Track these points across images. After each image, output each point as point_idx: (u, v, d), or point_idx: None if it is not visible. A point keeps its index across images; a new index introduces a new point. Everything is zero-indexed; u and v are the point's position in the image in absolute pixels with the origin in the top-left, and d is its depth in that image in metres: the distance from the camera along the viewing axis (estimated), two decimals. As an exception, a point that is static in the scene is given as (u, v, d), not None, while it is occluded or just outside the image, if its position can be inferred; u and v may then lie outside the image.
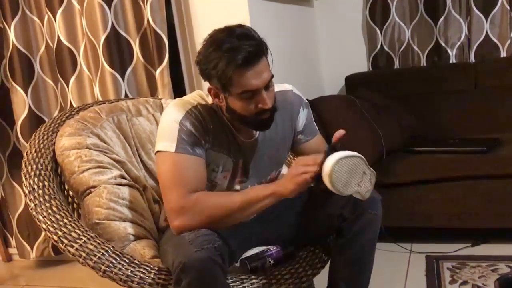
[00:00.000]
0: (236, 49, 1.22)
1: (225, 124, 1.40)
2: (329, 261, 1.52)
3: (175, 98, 2.15)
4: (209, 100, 1.40)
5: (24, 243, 2.73)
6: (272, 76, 1.31)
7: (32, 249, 2.72)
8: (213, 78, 1.28)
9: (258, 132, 1.45)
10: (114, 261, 1.30)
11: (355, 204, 1.39)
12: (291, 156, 1.82)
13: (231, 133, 1.41)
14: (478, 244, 2.28)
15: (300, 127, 1.54)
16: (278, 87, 1.47)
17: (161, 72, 2.20)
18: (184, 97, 1.44)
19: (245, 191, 1.36)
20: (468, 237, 2.32)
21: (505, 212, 2.20)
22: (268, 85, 1.30)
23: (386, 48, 3.05)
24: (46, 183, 1.46)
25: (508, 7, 2.80)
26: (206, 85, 2.23)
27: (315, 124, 1.59)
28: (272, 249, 1.47)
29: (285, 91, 1.51)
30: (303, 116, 1.53)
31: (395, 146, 2.45)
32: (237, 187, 1.46)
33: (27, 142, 1.60)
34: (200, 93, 1.44)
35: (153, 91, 2.28)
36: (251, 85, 1.26)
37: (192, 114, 1.34)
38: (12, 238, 2.85)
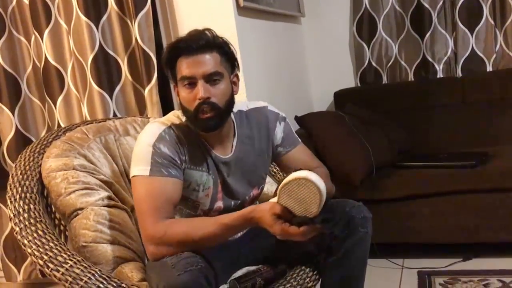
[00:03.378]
0: (182, 38, 1.36)
1: (200, 141, 1.41)
2: (320, 280, 1.51)
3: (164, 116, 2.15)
4: (184, 118, 1.42)
5: (11, 265, 2.67)
6: (220, 74, 1.35)
7: (19, 272, 2.67)
8: (166, 68, 1.39)
9: (233, 148, 1.45)
10: (101, 285, 1.27)
11: (346, 222, 1.39)
12: (276, 170, 1.83)
13: (207, 149, 1.42)
14: (469, 258, 2.28)
15: (278, 141, 1.55)
16: (253, 104, 1.53)
17: (150, 91, 2.19)
18: (158, 119, 1.46)
19: (217, 220, 1.29)
20: (459, 252, 2.31)
21: (495, 226, 2.21)
22: (209, 79, 1.34)
23: (373, 64, 3.07)
24: (31, 206, 1.44)
25: (492, 22, 2.84)
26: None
27: (295, 135, 1.60)
28: (262, 269, 1.45)
29: (260, 107, 1.54)
30: (280, 130, 1.54)
31: (384, 162, 2.46)
32: (220, 203, 1.45)
33: (13, 163, 1.58)
34: (176, 112, 1.46)
35: (141, 110, 2.27)
36: (188, 72, 1.33)
37: (165, 136, 1.35)
38: (-2, 261, 2.80)
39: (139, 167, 1.32)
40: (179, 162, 1.35)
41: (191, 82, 1.33)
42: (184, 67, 1.33)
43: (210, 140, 1.41)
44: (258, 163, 1.52)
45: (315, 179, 1.17)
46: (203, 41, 1.34)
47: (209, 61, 1.34)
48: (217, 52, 1.35)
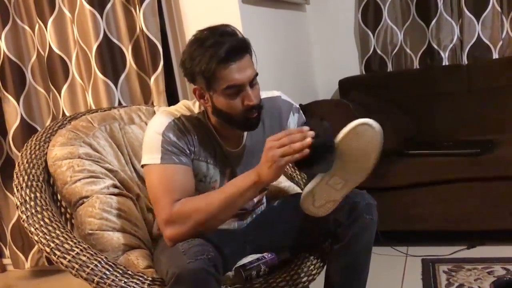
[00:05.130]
0: (219, 44, 1.24)
1: (211, 134, 1.40)
2: (325, 267, 1.52)
3: (169, 105, 2.16)
4: (195, 109, 1.41)
5: (19, 253, 2.71)
6: (257, 74, 1.32)
7: (26, 259, 2.70)
8: (198, 76, 1.29)
9: (244, 140, 1.44)
10: (107, 272, 1.28)
11: (351, 209, 1.39)
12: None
13: (217, 142, 1.41)
14: (473, 246, 2.28)
15: None
16: (266, 93, 1.47)
17: (156, 79, 2.19)
18: (168, 108, 1.44)
19: (224, 188, 1.31)
20: (463, 240, 2.32)
21: (500, 214, 2.21)
22: (252, 83, 1.31)
23: (379, 52, 3.06)
24: (38, 194, 1.45)
25: (499, 8, 2.81)
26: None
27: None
28: (267, 257, 1.46)
29: (273, 97, 1.50)
30: (294, 121, 1.52)
31: (389, 149, 2.43)
32: None
33: (19, 152, 1.59)
34: (186, 103, 1.44)
35: (146, 99, 2.28)
36: (235, 80, 1.27)
37: (175, 125, 1.35)
38: (6, 249, 2.83)
39: (150, 156, 1.32)
40: (188, 151, 1.35)
41: (238, 89, 1.28)
42: (232, 75, 1.26)
43: (222, 133, 1.40)
44: None
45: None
46: (244, 44, 1.29)
47: (249, 64, 1.30)
48: (247, 52, 1.31)
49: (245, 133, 1.44)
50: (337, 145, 1.20)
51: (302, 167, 1.24)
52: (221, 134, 1.40)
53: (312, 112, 2.45)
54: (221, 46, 1.24)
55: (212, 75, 1.26)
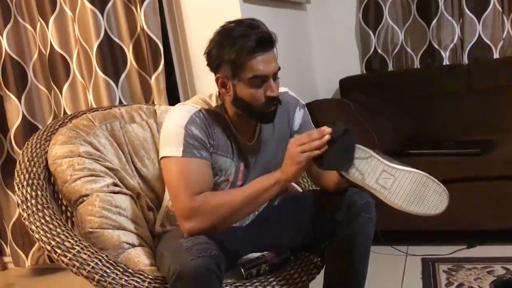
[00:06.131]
0: (248, 35, 1.29)
1: (228, 127, 1.42)
2: (324, 267, 1.52)
3: (169, 104, 2.16)
4: (213, 103, 1.42)
5: (19, 251, 2.71)
6: (279, 68, 1.36)
7: (27, 257, 2.71)
8: (224, 64, 1.32)
9: (257, 134, 1.46)
10: (108, 270, 1.29)
11: (349, 208, 1.39)
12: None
13: (234, 136, 1.43)
14: (473, 246, 2.28)
15: (296, 127, 1.55)
16: None
17: (157, 78, 2.19)
18: (187, 102, 1.45)
19: (249, 184, 1.37)
20: (463, 239, 2.32)
21: (500, 214, 2.21)
22: (275, 76, 1.35)
23: (379, 51, 3.06)
24: (39, 193, 1.45)
25: (500, 8, 2.81)
26: (201, 90, 2.27)
27: (313, 125, 1.60)
28: (267, 255, 1.46)
29: (280, 92, 1.51)
30: (299, 115, 1.55)
31: (389, 149, 2.45)
32: None
33: (21, 150, 1.59)
34: (203, 96, 1.45)
35: (147, 97, 2.28)
36: (261, 70, 1.31)
37: (197, 119, 1.36)
38: (7, 247, 2.83)
39: (171, 148, 1.33)
40: (208, 145, 1.37)
41: (262, 80, 1.32)
42: (259, 66, 1.30)
43: (238, 127, 1.43)
44: (279, 148, 1.52)
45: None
46: (271, 38, 1.33)
47: (274, 58, 1.35)
48: (274, 46, 1.35)
49: (258, 128, 1.47)
50: (397, 171, 1.27)
51: (322, 163, 1.30)
52: (237, 128, 1.42)
53: (316, 113, 2.45)
54: (251, 37, 1.29)
55: (240, 64, 1.30)
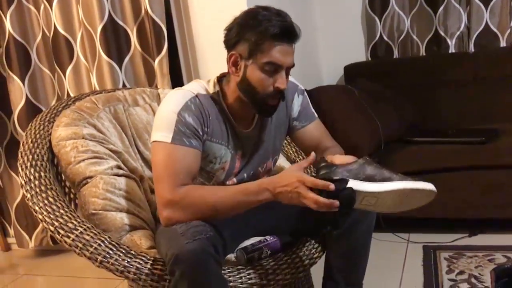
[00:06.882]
0: (275, 21, 1.30)
1: (225, 114, 1.40)
2: (325, 252, 1.53)
3: (173, 87, 2.15)
4: (210, 89, 1.40)
5: (23, 232, 2.73)
6: (293, 65, 1.36)
7: (30, 238, 2.73)
8: (243, 42, 1.31)
9: (255, 122, 1.45)
10: (110, 252, 1.30)
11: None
12: (287, 141, 1.83)
13: (230, 123, 1.41)
14: (475, 234, 2.29)
15: (294, 114, 1.54)
16: None
17: (160, 62, 2.18)
18: (184, 87, 1.43)
19: (237, 193, 1.29)
20: (465, 227, 2.32)
21: (502, 203, 2.21)
22: (288, 71, 1.36)
23: (385, 38, 3.03)
24: (42, 174, 1.46)
25: (508, -4, 2.78)
26: (204, 75, 2.26)
27: (312, 110, 1.59)
28: (269, 239, 1.46)
29: None
30: (298, 102, 1.54)
31: (393, 136, 2.45)
32: (234, 179, 1.46)
33: (24, 132, 1.59)
34: (201, 82, 1.43)
35: (150, 81, 2.28)
36: (278, 59, 1.31)
37: (191, 105, 1.34)
38: (10, 228, 2.85)
39: (162, 133, 1.32)
40: (201, 133, 1.35)
41: (275, 69, 1.32)
42: (277, 53, 1.30)
43: (236, 114, 1.41)
44: (276, 135, 1.52)
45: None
46: (295, 31, 1.34)
47: (293, 53, 1.35)
48: (296, 42, 1.37)
49: (256, 115, 1.45)
50: (378, 194, 1.24)
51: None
52: (234, 115, 1.41)
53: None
54: (277, 23, 1.29)
55: (259, 45, 1.29)
